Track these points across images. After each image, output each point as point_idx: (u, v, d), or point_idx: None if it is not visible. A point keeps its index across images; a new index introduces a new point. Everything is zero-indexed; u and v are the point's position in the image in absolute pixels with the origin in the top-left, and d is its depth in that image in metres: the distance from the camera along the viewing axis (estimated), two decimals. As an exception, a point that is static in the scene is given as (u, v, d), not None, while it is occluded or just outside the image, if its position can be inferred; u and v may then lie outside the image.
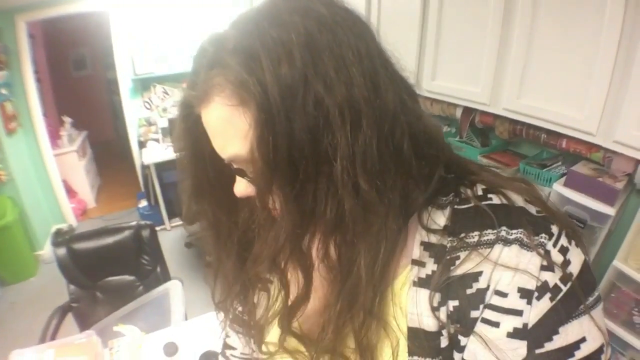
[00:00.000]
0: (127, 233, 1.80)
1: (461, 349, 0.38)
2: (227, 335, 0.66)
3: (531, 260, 0.36)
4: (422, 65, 1.89)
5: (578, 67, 1.24)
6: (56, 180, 3.59)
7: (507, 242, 0.37)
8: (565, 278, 0.35)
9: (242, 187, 0.43)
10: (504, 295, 0.36)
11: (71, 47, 5.52)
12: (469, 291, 0.37)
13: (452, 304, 0.38)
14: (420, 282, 0.40)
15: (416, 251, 0.41)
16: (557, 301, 0.35)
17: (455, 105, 1.93)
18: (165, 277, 1.87)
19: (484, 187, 0.42)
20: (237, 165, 0.41)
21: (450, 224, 0.40)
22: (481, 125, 1.86)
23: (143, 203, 3.88)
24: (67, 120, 4.16)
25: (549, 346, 0.35)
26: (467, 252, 0.38)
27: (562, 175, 1.48)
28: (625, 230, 1.30)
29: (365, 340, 0.41)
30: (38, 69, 3.80)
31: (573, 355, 0.35)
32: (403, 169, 0.38)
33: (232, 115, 0.37)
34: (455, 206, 0.41)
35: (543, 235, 0.36)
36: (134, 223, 1.85)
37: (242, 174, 0.42)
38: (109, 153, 5.45)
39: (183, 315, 1.51)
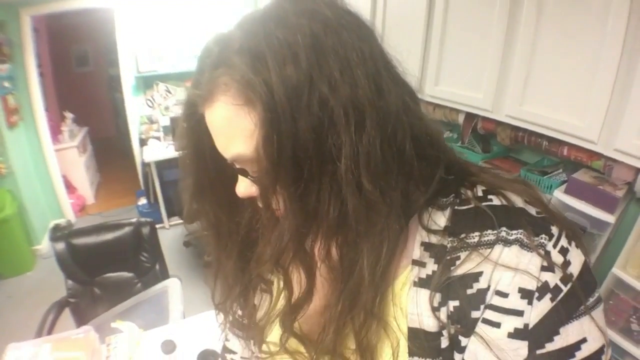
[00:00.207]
0: (126, 229, 1.80)
1: (462, 350, 0.39)
2: (226, 339, 0.66)
3: (531, 261, 0.36)
4: (425, 70, 1.90)
5: (580, 75, 1.25)
6: (56, 175, 3.60)
7: (507, 242, 0.37)
8: (565, 279, 0.36)
9: (243, 187, 0.43)
10: (504, 295, 0.36)
11: (74, 43, 5.54)
12: (469, 291, 0.38)
13: (453, 304, 0.38)
14: (421, 283, 0.41)
15: (416, 251, 0.42)
16: (558, 302, 0.35)
17: (458, 111, 1.94)
18: (164, 275, 1.87)
19: (484, 188, 0.42)
20: (239, 165, 0.41)
21: (450, 224, 0.40)
22: (483, 132, 1.87)
23: (142, 201, 3.88)
24: (69, 115, 4.17)
25: (549, 347, 0.35)
26: (467, 253, 0.38)
27: (563, 182, 1.49)
28: (624, 238, 1.31)
29: (365, 340, 0.41)
30: (41, 64, 3.80)
31: (574, 356, 0.35)
32: (405, 169, 0.39)
33: (237, 115, 0.37)
34: (456, 207, 0.41)
35: (543, 236, 0.37)
36: (134, 220, 1.84)
37: (244, 173, 0.42)
38: (110, 150, 5.45)
39: (181, 313, 1.51)
